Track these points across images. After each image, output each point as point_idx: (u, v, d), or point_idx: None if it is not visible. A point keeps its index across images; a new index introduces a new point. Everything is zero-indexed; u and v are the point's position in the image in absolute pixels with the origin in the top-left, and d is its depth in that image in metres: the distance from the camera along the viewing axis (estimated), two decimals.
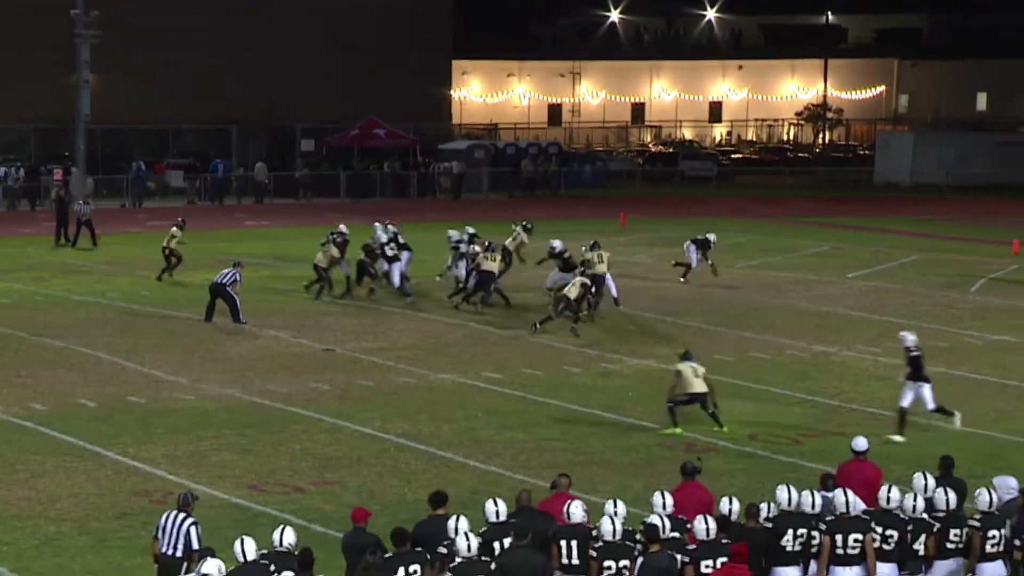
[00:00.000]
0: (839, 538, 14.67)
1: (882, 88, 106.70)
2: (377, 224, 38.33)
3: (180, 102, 72.69)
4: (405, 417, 24.38)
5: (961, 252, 47.92)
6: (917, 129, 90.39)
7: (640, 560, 14.03)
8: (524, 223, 39.98)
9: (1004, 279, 41.69)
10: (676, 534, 14.46)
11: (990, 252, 47.59)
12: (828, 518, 14.88)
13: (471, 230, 37.99)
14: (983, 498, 15.07)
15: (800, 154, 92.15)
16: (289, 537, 13.87)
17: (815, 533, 14.76)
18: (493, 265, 34.76)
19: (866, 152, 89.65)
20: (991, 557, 14.85)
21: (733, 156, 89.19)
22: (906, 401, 23.19)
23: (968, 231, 54.60)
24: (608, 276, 34.44)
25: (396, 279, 35.87)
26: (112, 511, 19.18)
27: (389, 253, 35.93)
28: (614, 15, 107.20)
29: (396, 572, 13.58)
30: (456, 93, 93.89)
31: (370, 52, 78.39)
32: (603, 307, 34.13)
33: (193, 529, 14.75)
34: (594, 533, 14.34)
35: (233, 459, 21.79)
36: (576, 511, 14.55)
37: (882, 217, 59.74)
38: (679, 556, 14.06)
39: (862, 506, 15.19)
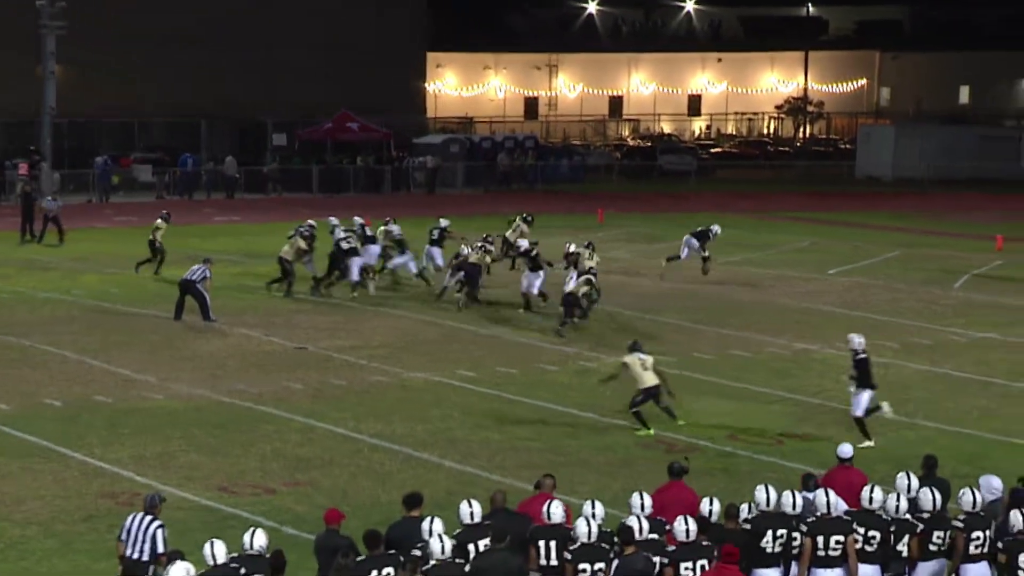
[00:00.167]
0: (820, 539, 14.67)
1: (863, 81, 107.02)
2: (332, 218, 38.57)
3: (148, 95, 72.33)
4: (379, 417, 24.33)
5: (944, 247, 48.04)
6: (899, 122, 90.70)
7: (615, 562, 14.02)
8: (524, 215, 40.95)
9: (988, 275, 41.81)
10: (655, 535, 14.45)
11: (974, 247, 47.74)
12: (809, 519, 14.88)
13: (445, 222, 38.77)
14: (967, 498, 15.06)
15: (780, 148, 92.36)
16: (260, 540, 13.80)
17: (796, 534, 14.76)
18: (476, 257, 35.01)
19: (847, 146, 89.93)
20: (975, 559, 14.84)
21: (712, 150, 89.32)
22: (860, 411, 22.97)
23: (951, 226, 54.73)
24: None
25: (355, 273, 35.85)
26: (78, 513, 19.09)
27: (345, 247, 35.94)
28: (591, 6, 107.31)
29: (369, 575, 13.55)
30: (431, 86, 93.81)
31: (343, 44, 78.19)
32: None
33: (160, 532, 14.66)
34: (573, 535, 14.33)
35: (202, 460, 21.71)
36: (556, 511, 14.53)
37: (864, 212, 59.87)
38: (657, 558, 14.04)
39: (844, 507, 15.19)
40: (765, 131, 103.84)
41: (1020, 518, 14.73)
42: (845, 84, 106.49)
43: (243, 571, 13.43)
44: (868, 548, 14.80)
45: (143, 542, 14.64)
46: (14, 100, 66.12)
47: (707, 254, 38.99)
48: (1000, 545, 14.72)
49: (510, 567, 13.84)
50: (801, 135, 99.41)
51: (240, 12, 76.50)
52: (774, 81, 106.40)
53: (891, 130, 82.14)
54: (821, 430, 23.62)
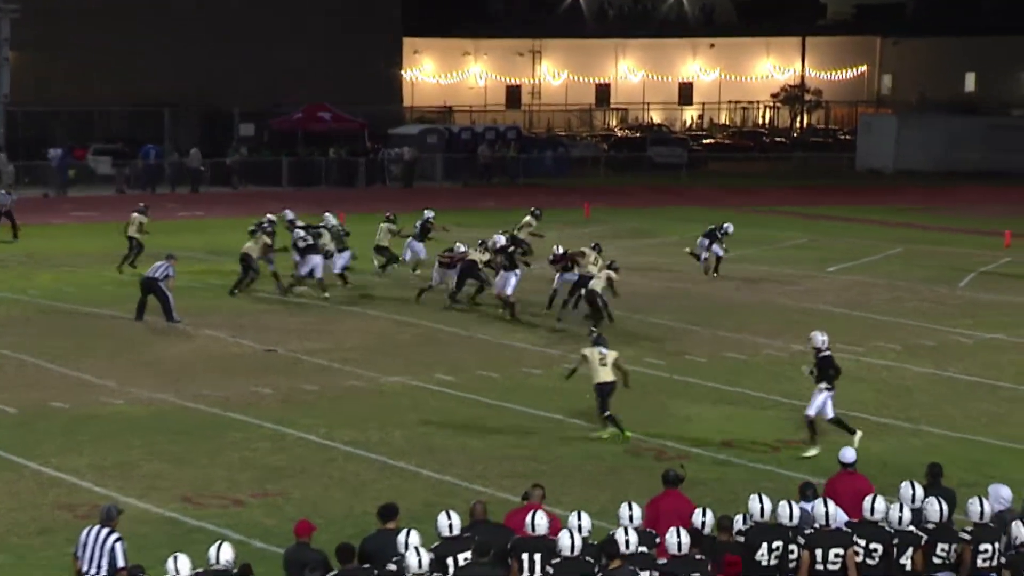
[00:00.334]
0: (819, 553, 14.65)
1: (863, 68, 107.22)
2: (288, 211, 38.71)
3: (107, 82, 72.02)
4: (353, 423, 24.29)
5: (949, 244, 48.15)
6: (901, 112, 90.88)
7: None
8: (532, 209, 41.75)
9: (996, 273, 41.92)
10: (644, 548, 14.42)
11: (980, 244, 47.86)
12: (807, 531, 14.87)
13: (429, 213, 39.42)
14: (975, 508, 15.04)
15: (776, 139, 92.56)
16: (227, 554, 13.78)
17: (792, 547, 14.74)
18: (476, 255, 35.02)
19: (847, 137, 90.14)
20: (983, 572, 14.81)
21: (705, 141, 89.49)
22: (812, 410, 22.86)
23: (957, 221, 54.88)
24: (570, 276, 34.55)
25: (318, 270, 35.80)
26: (33, 526, 19.02)
27: (301, 245, 35.93)
28: None
29: None
30: (407, 74, 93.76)
31: (314, 29, 78.10)
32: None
33: (119, 545, 14.58)
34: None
35: (166, 469, 21.64)
36: (541, 522, 14.50)
37: (864, 206, 59.98)
38: (645, 572, 14.01)
39: (844, 518, 15.18)
40: (760, 121, 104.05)
41: (1023, 530, 14.73)
42: (844, 71, 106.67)
43: None
44: (870, 562, 14.78)
45: (100, 557, 14.54)
46: None
47: (721, 254, 39.29)
48: (1003, 560, 14.71)
49: None
50: (798, 125, 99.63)
51: None
52: (770, 68, 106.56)
53: (893, 120, 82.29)
54: (819, 436, 23.59)
